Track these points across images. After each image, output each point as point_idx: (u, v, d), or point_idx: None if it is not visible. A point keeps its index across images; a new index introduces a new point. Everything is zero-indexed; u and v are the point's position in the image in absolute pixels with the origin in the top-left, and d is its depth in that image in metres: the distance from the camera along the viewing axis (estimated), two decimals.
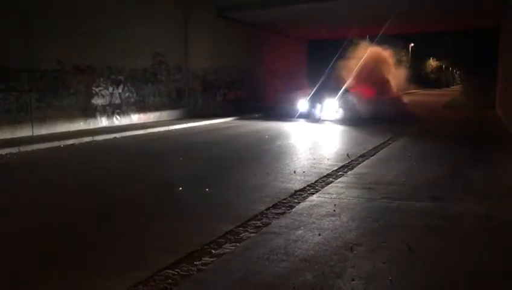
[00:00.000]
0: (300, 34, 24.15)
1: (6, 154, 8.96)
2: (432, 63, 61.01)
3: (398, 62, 27.27)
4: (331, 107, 16.71)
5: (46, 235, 4.42)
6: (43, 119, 11.28)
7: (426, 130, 13.80)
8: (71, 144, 10.38)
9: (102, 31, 12.78)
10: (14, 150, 9.21)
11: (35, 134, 11.00)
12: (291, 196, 5.77)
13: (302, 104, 17.40)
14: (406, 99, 25.10)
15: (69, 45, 11.80)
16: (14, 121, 10.60)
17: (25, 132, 10.80)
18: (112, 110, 13.48)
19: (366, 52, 24.39)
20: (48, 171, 7.72)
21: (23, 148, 9.38)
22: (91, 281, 3.33)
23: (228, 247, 3.99)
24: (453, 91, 45.26)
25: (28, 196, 5.97)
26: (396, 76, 26.20)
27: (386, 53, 25.92)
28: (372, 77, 21.31)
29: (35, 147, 9.66)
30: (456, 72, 67.84)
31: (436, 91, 47.84)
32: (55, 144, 10.15)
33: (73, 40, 11.89)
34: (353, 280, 3.31)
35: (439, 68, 63.36)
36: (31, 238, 4.32)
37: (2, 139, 10.00)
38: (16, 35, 10.52)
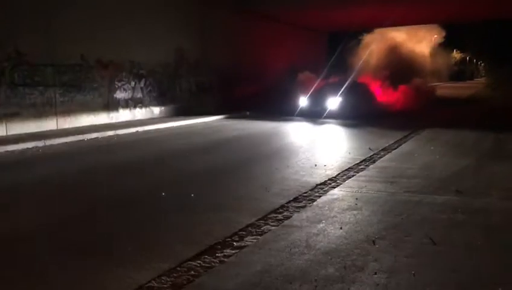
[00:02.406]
0: (321, 25, 23.70)
1: (32, 147, 9.17)
2: (456, 55, 59.81)
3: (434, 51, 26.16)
4: (337, 103, 14.51)
5: (71, 225, 4.52)
6: (67, 113, 11.49)
7: (449, 124, 13.28)
8: (94, 138, 10.55)
9: (124, 26, 12.88)
10: (40, 143, 9.42)
11: (59, 128, 11.21)
12: (312, 189, 5.75)
13: (306, 100, 15.26)
14: (432, 89, 23.87)
15: (92, 40, 11.94)
16: (40, 115, 10.83)
17: (49, 125, 11.03)
18: (134, 104, 13.64)
19: (387, 38, 23.68)
20: (71, 164, 7.87)
21: (48, 142, 9.58)
22: (114, 271, 3.40)
23: (249, 240, 4.01)
24: (477, 83, 44.33)
25: (52, 188, 6.10)
26: (432, 63, 25.08)
27: (417, 35, 24.64)
28: (393, 65, 20.71)
29: (59, 140, 9.86)
30: (480, 64, 66.34)
31: (459, 84, 46.96)
32: (79, 137, 10.33)
33: (96, 35, 12.03)
34: (375, 273, 3.29)
35: (462, 60, 62.09)
36: (57, 228, 4.42)
37: (28, 133, 10.22)
38: (40, 31, 10.71)
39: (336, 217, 4.62)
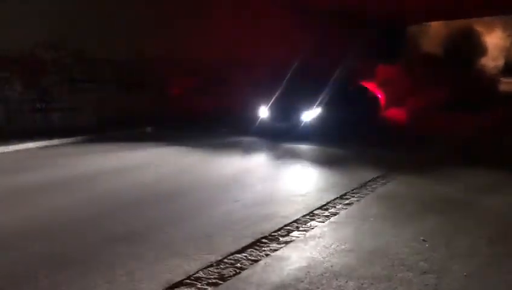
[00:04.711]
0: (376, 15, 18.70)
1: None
2: None
3: None
4: (315, 116, 9.79)
5: (121, 215, 4.63)
6: (123, 108, 11.80)
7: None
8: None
9: (178, 21, 12.95)
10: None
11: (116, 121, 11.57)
12: (360, 187, 5.66)
13: (267, 111, 10.30)
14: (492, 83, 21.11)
15: (149, 36, 12.13)
16: (99, 109, 11.27)
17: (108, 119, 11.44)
18: None
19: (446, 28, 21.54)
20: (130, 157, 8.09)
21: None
22: (164, 260, 3.49)
23: (295, 235, 4.02)
24: None
25: (104, 179, 6.30)
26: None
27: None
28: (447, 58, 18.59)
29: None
30: None
31: None
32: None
33: (152, 31, 12.21)
34: (425, 273, 3.20)
35: None
36: (108, 216, 4.55)
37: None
38: (99, 28, 11.02)
39: (385, 214, 4.53)
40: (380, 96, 12.21)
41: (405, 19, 19.78)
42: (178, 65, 12.49)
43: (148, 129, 11.04)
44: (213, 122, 11.46)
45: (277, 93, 10.22)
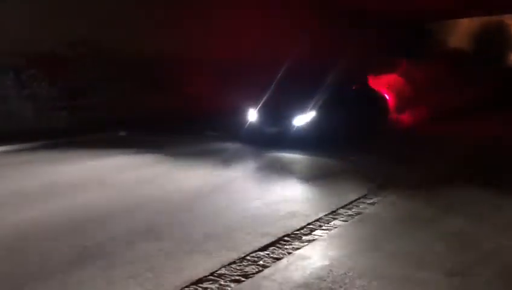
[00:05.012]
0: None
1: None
2: None
3: None
4: (308, 120, 8.59)
5: (144, 209, 4.69)
6: (141, 107, 11.86)
7: None
8: None
9: (199, 22, 13.02)
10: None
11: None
12: (379, 186, 5.62)
13: (256, 114, 9.15)
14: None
15: (168, 35, 12.15)
16: (114, 107, 11.31)
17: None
18: None
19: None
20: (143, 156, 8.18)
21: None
22: (188, 257, 3.53)
23: (318, 233, 4.02)
24: None
25: (128, 173, 6.41)
26: None
27: None
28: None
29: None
30: None
31: None
32: None
33: (171, 31, 12.23)
34: (446, 274, 3.17)
35: None
36: (132, 210, 4.62)
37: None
38: (119, 27, 11.15)
39: (408, 214, 4.51)
40: (387, 97, 10.98)
41: (406, 18, 18.97)
42: (180, 64, 12.40)
43: (122, 133, 10.29)
44: (209, 124, 10.61)
45: (267, 95, 9.19)
